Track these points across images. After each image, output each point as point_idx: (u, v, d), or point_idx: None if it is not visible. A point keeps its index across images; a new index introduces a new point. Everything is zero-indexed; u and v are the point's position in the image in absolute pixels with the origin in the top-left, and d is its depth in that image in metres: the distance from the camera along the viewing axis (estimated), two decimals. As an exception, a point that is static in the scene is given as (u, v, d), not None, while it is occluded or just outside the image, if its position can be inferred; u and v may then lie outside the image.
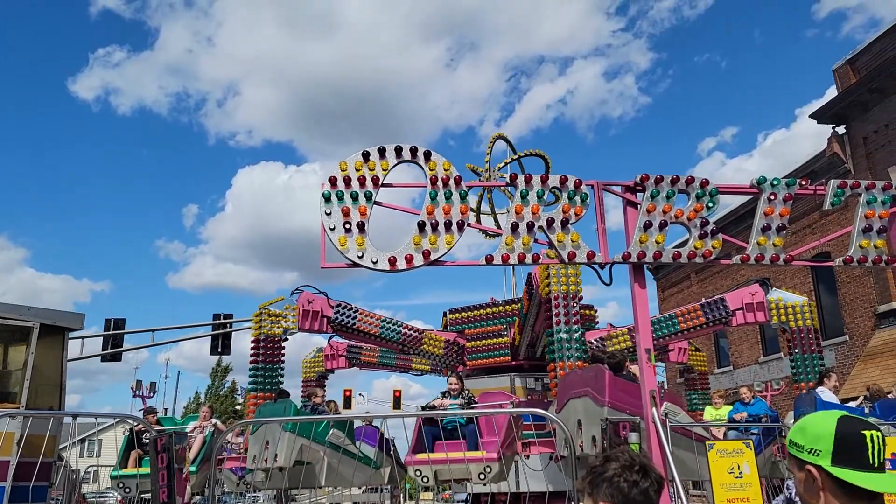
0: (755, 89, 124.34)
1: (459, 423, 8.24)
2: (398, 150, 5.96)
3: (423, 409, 9.02)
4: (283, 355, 11.88)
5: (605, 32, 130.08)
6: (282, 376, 11.78)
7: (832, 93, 20.56)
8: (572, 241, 6.00)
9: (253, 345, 11.75)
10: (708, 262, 6.40)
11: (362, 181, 5.85)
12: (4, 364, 7.53)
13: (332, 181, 5.83)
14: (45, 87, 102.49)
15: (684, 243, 6.43)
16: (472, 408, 8.61)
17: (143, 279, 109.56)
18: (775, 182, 6.39)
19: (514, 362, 11.94)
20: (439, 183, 5.90)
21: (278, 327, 11.56)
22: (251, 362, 11.68)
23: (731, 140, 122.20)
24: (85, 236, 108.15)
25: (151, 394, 35.82)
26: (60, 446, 8.58)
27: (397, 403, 26.74)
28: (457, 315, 13.09)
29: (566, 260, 5.98)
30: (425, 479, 7.90)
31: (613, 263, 6.18)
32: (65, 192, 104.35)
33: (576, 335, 9.89)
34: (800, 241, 18.92)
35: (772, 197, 6.36)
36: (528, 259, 5.95)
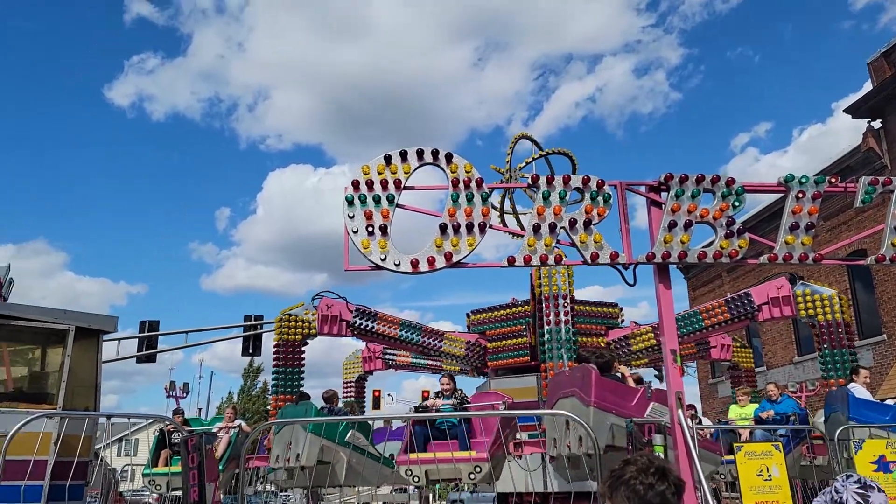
0: (790, 83, 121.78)
1: (452, 423, 8.29)
2: (420, 153, 6.01)
3: (417, 409, 9.13)
4: (304, 359, 12.19)
5: (635, 28, 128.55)
6: (302, 379, 12.06)
7: (869, 87, 20.12)
8: (595, 242, 5.98)
9: (275, 349, 12.08)
10: (735, 262, 6.33)
11: (384, 184, 5.90)
12: (42, 366, 7.73)
13: (355, 185, 5.89)
14: (83, 94, 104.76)
15: (711, 244, 6.37)
16: (465, 408, 8.78)
17: (177, 281, 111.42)
18: (804, 180, 6.30)
19: (533, 362, 11.90)
20: (461, 185, 5.92)
21: (298, 332, 11.88)
22: (273, 366, 12.05)
23: (765, 136, 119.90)
24: (121, 240, 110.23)
25: (184, 394, 36.38)
26: (97, 445, 8.82)
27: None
28: (478, 316, 13.11)
29: (589, 261, 5.96)
30: (416, 479, 7.99)
31: (637, 264, 6.15)
32: (102, 197, 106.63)
33: (567, 335, 9.86)
34: (835, 238, 18.54)
35: (800, 195, 6.26)
36: (551, 260, 5.95)
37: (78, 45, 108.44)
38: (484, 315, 12.96)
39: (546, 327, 10.03)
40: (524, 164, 12.51)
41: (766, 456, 5.59)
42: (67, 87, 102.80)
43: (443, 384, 9.16)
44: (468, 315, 13.60)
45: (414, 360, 15.54)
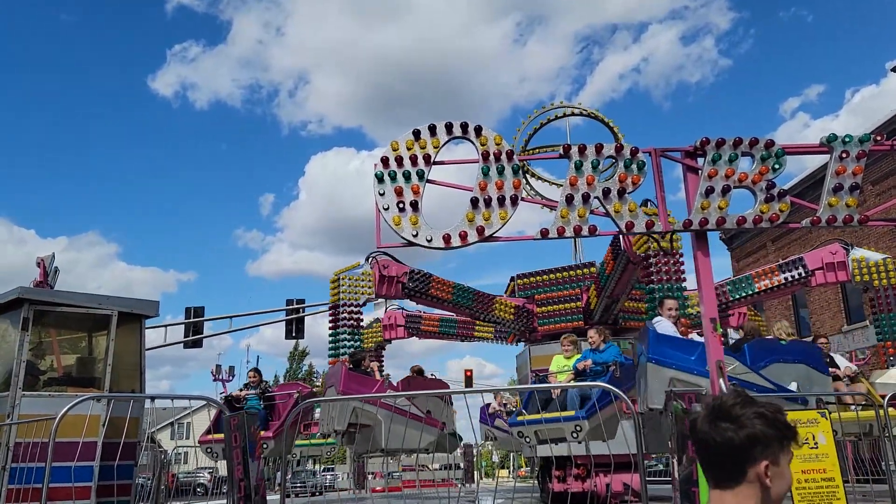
0: (845, 43, 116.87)
1: (258, 409, 10.51)
2: (449, 127, 5.94)
3: (227, 399, 11.20)
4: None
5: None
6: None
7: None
8: (630, 211, 5.86)
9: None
10: (776, 227, 6.14)
11: (414, 160, 5.86)
12: (89, 351, 7.96)
13: (385, 161, 5.86)
14: (129, 86, 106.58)
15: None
16: (269, 396, 11.29)
17: (224, 268, 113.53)
18: (847, 139, 6.06)
19: (585, 326, 11.81)
20: (491, 158, 5.85)
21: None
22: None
23: (816, 99, 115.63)
24: (170, 229, 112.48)
25: (230, 377, 37.10)
26: (151, 430, 9.14)
27: (469, 383, 26.85)
28: (527, 280, 13.03)
29: (624, 230, 5.85)
30: (215, 455, 9.66)
31: (674, 232, 6.01)
32: (151, 188, 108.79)
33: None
34: (886, 201, 17.93)
35: (843, 155, 6.03)
36: (585, 231, 5.85)
37: (122, 35, 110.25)
38: (533, 279, 12.89)
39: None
40: (528, 137, 12.26)
41: (812, 424, 5.44)
42: (113, 78, 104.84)
43: (250, 377, 11.57)
44: (513, 279, 13.51)
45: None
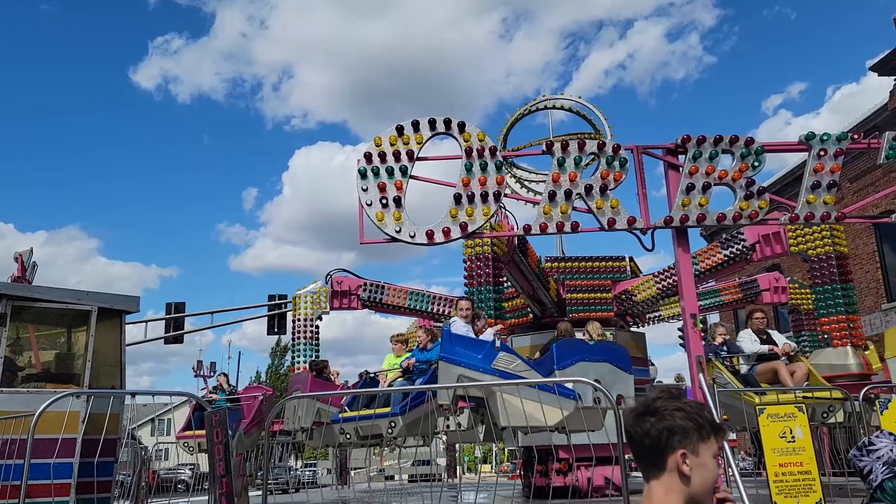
0: (826, 42, 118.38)
1: (228, 409, 11.05)
2: (432, 123, 5.95)
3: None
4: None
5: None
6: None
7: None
8: (612, 208, 5.91)
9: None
10: (755, 223, 6.22)
11: (397, 156, 5.86)
12: (68, 347, 7.87)
13: (368, 157, 5.86)
14: (109, 78, 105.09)
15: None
16: (236, 399, 12.45)
17: (207, 263, 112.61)
18: (825, 137, 6.15)
19: (546, 319, 11.96)
20: (474, 154, 5.86)
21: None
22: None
23: (798, 97, 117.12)
24: (152, 224, 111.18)
25: (212, 373, 36.84)
26: (131, 426, 9.05)
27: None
28: None
29: (606, 227, 5.90)
30: (191, 450, 11.42)
31: (655, 228, 6.07)
32: (132, 182, 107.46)
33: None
34: (864, 198, 18.14)
35: (822, 153, 6.12)
36: (567, 227, 5.89)
37: (103, 26, 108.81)
38: None
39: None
40: (508, 128, 12.37)
41: (790, 418, 5.52)
42: (94, 70, 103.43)
43: (218, 380, 13.30)
44: None
45: None
